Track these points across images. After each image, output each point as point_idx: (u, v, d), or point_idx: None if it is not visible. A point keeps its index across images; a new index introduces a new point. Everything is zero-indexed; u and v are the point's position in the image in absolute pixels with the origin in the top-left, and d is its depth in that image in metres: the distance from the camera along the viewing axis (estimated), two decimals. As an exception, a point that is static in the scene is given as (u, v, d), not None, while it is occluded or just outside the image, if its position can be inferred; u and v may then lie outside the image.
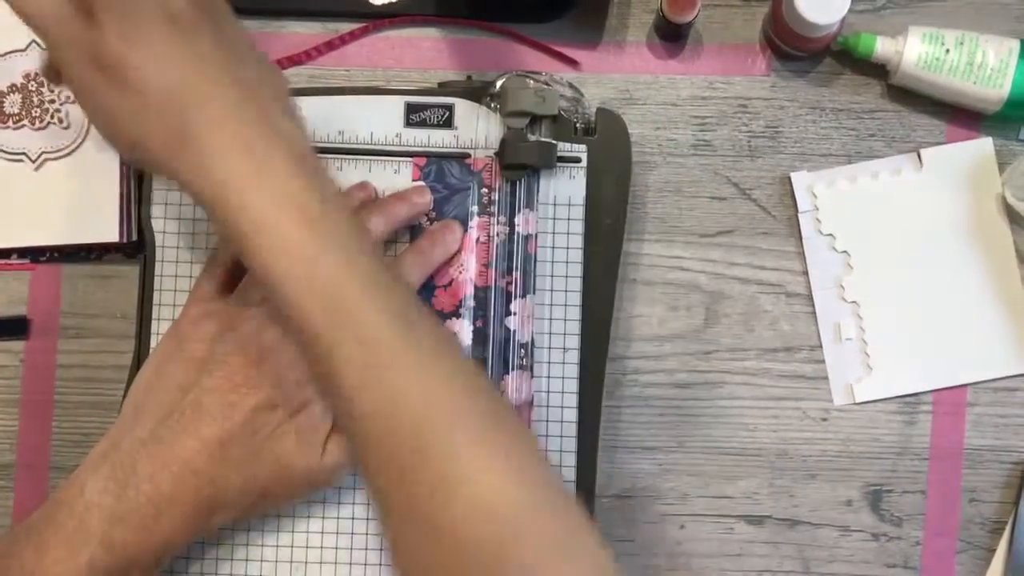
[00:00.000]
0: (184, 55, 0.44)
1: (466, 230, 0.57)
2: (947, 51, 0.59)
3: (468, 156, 0.58)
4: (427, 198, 0.57)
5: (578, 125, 0.58)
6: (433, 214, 0.57)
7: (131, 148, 0.46)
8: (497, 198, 0.57)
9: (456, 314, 0.57)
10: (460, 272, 0.57)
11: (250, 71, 0.46)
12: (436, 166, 0.58)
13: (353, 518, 0.56)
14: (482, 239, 0.57)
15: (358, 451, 0.46)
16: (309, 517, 0.56)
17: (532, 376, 0.56)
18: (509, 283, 0.57)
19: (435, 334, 0.46)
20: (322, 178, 0.46)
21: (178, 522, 0.49)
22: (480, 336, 0.57)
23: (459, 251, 0.57)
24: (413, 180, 0.58)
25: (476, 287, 0.57)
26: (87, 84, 0.45)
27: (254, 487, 0.51)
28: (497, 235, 0.57)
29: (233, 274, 0.55)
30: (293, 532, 0.56)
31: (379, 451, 0.44)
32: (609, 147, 0.58)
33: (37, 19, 0.45)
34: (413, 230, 0.57)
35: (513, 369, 0.56)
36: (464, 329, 0.57)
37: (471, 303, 0.57)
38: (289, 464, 0.52)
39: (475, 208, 0.57)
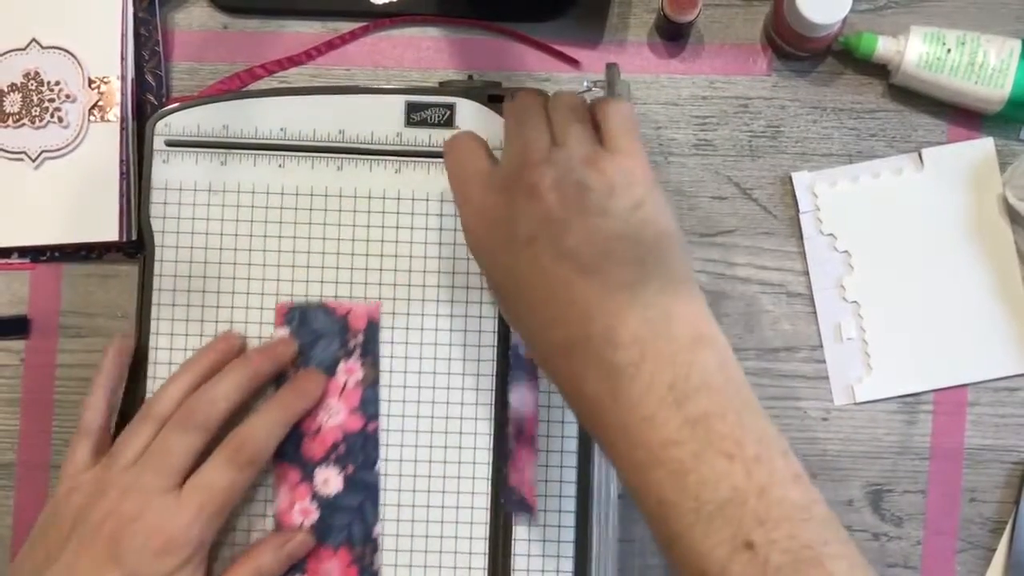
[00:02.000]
0: None
1: (333, 375, 0.56)
2: (948, 51, 0.59)
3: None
4: (292, 348, 0.56)
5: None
6: (300, 360, 0.56)
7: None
8: (362, 340, 0.56)
9: (325, 461, 0.55)
10: (328, 418, 0.56)
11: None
12: (300, 312, 0.57)
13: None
14: (349, 384, 0.56)
15: None
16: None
17: (537, 387, 0.57)
18: (377, 428, 0.56)
19: None
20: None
21: None
22: (352, 483, 0.55)
23: (324, 397, 0.56)
24: (276, 327, 0.57)
25: (346, 433, 0.56)
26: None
27: None
28: (363, 379, 0.56)
29: (104, 437, 0.54)
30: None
31: None
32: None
33: None
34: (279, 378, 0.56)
35: (524, 373, 0.57)
36: (333, 477, 0.55)
37: (341, 449, 0.56)
38: None
39: (341, 352, 0.56)
